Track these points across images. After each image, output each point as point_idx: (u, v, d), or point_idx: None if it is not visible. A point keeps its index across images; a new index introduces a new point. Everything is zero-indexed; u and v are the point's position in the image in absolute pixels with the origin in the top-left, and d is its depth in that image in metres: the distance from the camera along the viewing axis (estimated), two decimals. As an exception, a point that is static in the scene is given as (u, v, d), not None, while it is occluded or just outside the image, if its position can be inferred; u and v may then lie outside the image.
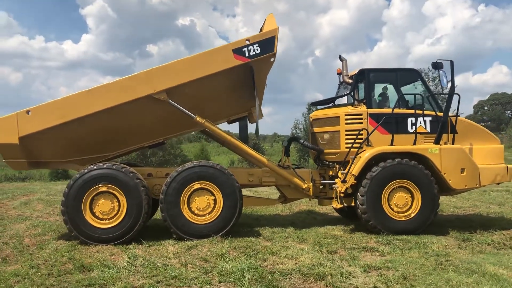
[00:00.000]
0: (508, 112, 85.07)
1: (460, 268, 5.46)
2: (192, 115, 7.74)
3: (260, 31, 7.89)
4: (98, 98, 7.15)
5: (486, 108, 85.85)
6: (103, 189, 7.10)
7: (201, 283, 5.02)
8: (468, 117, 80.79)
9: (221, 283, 5.04)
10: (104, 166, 7.18)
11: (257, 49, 7.28)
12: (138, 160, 30.33)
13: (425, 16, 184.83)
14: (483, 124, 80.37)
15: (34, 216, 10.42)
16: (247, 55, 7.26)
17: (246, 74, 7.57)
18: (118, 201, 7.13)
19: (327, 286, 4.93)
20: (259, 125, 8.80)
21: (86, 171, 7.13)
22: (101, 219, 7.11)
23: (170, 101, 7.28)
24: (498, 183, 8.32)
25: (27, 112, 7.09)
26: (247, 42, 7.27)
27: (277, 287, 4.78)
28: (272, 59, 7.50)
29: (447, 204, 11.42)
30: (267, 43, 7.30)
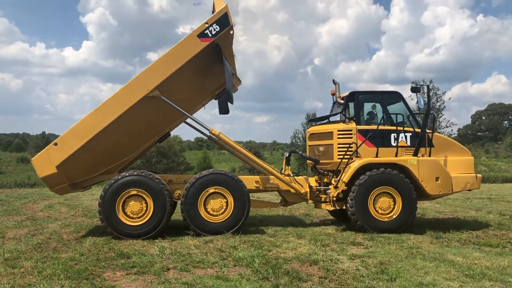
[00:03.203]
0: (506, 122, 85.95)
1: (426, 257, 6.81)
2: (207, 127, 9.17)
3: (213, 13, 8.92)
4: (105, 113, 8.34)
5: (483, 118, 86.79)
6: (134, 192, 8.41)
7: (220, 266, 6.36)
8: (466, 127, 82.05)
9: (236, 266, 6.38)
10: (135, 173, 8.53)
11: (216, 28, 8.42)
12: (143, 168, 31.59)
13: (424, 26, 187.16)
14: (481, 134, 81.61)
15: (62, 217, 11.75)
16: (210, 35, 8.39)
17: (216, 52, 8.69)
18: (146, 203, 8.45)
19: (320, 268, 6.26)
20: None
21: (119, 177, 8.47)
22: (132, 218, 8.42)
23: (162, 97, 8.41)
24: (469, 190, 9.68)
25: (55, 144, 8.37)
26: (207, 25, 8.41)
27: (280, 268, 6.10)
28: (231, 32, 8.63)
29: (431, 209, 12.75)
30: (223, 20, 8.46)
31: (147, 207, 8.45)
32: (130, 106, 8.31)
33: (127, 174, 8.52)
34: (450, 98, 46.80)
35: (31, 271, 6.05)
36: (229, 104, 8.96)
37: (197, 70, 8.99)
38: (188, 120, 9.76)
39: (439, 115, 34.51)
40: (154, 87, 8.34)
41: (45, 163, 8.33)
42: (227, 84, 8.61)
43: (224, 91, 9.30)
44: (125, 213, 8.41)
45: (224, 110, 9.02)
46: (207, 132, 9.44)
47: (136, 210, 8.42)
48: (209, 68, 9.13)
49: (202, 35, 8.37)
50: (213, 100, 10.38)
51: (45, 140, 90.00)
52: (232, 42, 9.07)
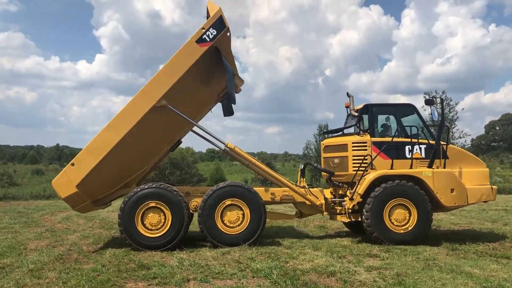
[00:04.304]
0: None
1: (443, 268, 6.84)
2: (223, 141, 9.34)
3: (207, 17, 9.11)
4: (116, 128, 8.48)
5: (497, 128, 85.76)
6: (152, 204, 8.59)
7: (239, 277, 6.47)
8: (479, 137, 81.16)
9: (255, 278, 6.48)
10: (153, 185, 8.71)
11: (213, 32, 8.56)
12: (157, 179, 31.91)
13: (435, 36, 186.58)
14: (495, 144, 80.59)
15: (80, 229, 11.97)
16: (208, 40, 8.53)
17: (216, 55, 8.83)
18: (164, 214, 8.61)
19: (337, 280, 6.34)
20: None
21: (138, 189, 8.65)
22: (150, 230, 8.58)
23: (169, 106, 8.55)
24: (485, 201, 9.68)
25: (72, 164, 8.52)
26: (203, 30, 8.54)
27: (298, 280, 6.19)
28: (228, 34, 8.77)
29: (446, 221, 12.71)
30: (218, 23, 8.60)
31: (165, 219, 8.61)
32: (140, 118, 8.44)
33: (146, 186, 8.70)
34: (463, 109, 46.61)
35: (56, 282, 6.23)
36: (233, 106, 9.09)
37: (200, 75, 9.17)
38: (204, 134, 9.93)
39: (452, 126, 34.30)
40: (160, 97, 8.48)
41: (65, 184, 8.47)
42: (228, 85, 8.77)
43: (226, 93, 9.43)
44: (144, 225, 8.58)
45: (228, 112, 9.14)
46: (222, 146, 9.60)
47: (154, 222, 8.58)
48: (211, 71, 9.29)
49: (200, 40, 8.53)
50: (220, 103, 10.38)
51: (59, 152, 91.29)
52: (230, 44, 9.23)
